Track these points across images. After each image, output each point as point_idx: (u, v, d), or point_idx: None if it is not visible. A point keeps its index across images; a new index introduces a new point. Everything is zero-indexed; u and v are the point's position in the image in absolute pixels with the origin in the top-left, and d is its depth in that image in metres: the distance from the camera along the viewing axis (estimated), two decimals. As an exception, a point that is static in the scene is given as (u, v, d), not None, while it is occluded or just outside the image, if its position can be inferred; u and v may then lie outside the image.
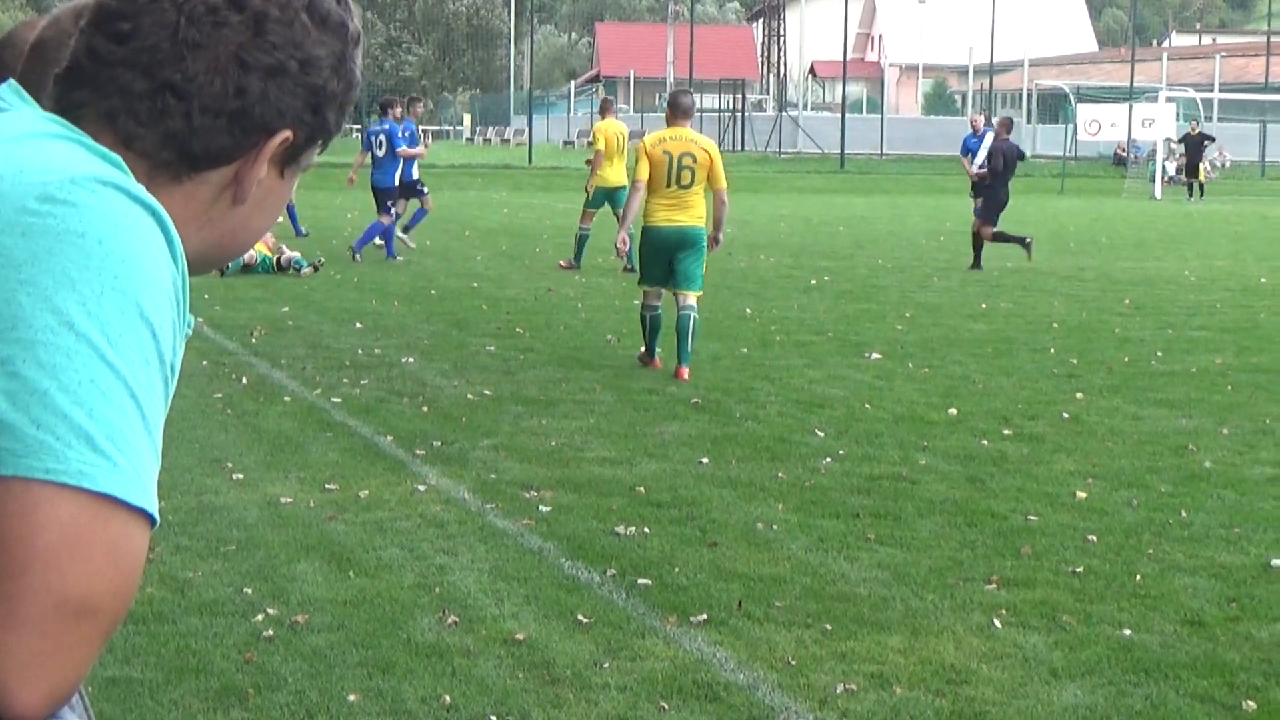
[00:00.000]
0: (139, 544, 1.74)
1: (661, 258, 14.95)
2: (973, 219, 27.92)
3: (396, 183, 26.54)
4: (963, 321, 19.27)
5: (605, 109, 27.12)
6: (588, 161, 27.16)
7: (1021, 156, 28.58)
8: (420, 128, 29.53)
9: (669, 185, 14.80)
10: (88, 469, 1.67)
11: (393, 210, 26.45)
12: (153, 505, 1.75)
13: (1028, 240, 27.32)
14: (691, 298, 14.83)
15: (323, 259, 24.65)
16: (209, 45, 1.86)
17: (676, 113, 15.39)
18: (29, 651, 1.67)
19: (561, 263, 25.91)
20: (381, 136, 26.52)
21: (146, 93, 1.88)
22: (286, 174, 2.00)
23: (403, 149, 26.45)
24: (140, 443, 1.72)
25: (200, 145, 1.90)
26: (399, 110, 26.93)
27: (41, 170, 1.76)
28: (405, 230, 27.71)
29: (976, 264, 26.85)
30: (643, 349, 15.44)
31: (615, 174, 25.54)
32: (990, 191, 27.49)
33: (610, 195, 25.37)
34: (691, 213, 14.89)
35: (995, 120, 31.00)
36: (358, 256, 25.74)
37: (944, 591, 8.16)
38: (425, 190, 27.50)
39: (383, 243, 26.38)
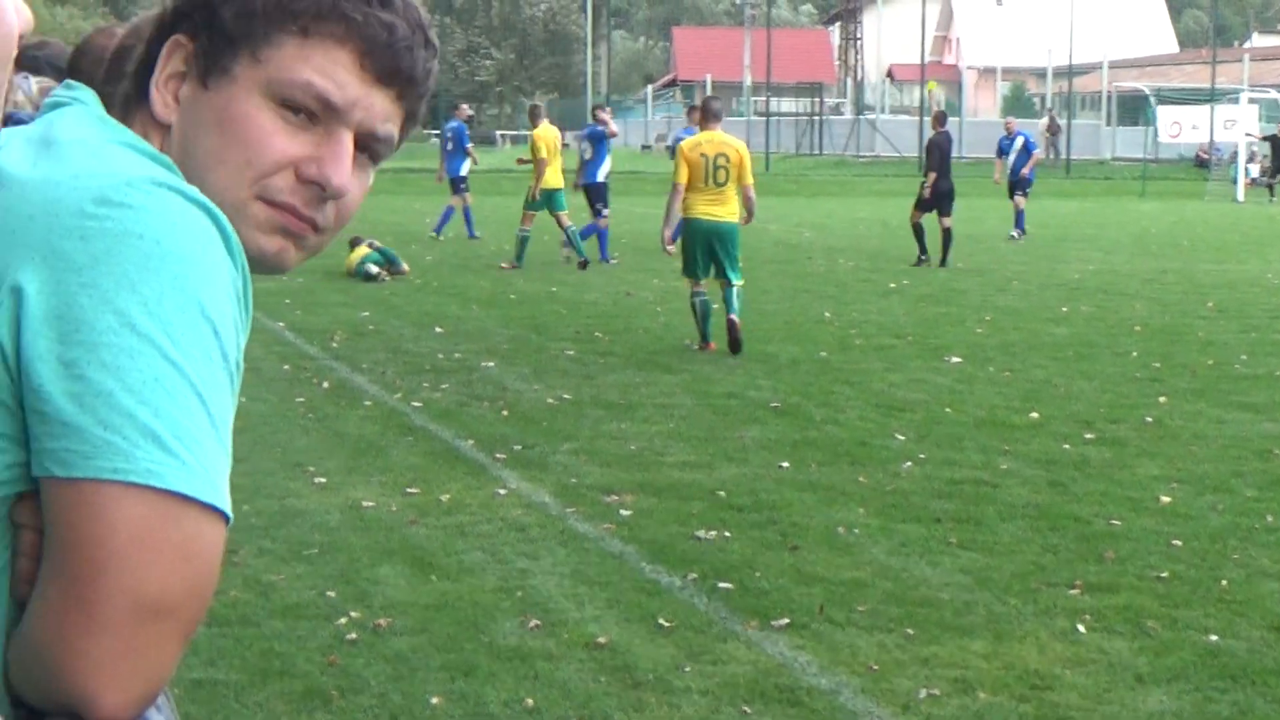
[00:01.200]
0: (213, 541, 1.74)
1: (703, 248, 16.47)
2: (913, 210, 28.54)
3: (600, 179, 28.26)
4: (1043, 325, 19.16)
5: (535, 116, 28.46)
6: (520, 161, 30.58)
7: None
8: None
9: (706, 184, 16.37)
10: (156, 467, 1.68)
11: (604, 211, 27.97)
12: (225, 502, 1.76)
13: (924, 259, 27.72)
14: (736, 284, 16.45)
15: (406, 266, 24.62)
16: None
17: (708, 117, 17.14)
18: (109, 655, 1.67)
19: (504, 264, 26.31)
20: (586, 141, 28.76)
21: None
22: (211, 84, 1.93)
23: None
24: (208, 440, 1.73)
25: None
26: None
27: (97, 174, 1.76)
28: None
29: (922, 255, 27.77)
30: (698, 339, 16.72)
31: (553, 177, 27.11)
32: (934, 185, 28.23)
33: (549, 197, 26.88)
34: (727, 207, 16.49)
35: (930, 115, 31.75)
36: (583, 257, 26.36)
37: (1027, 596, 8.12)
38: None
39: (567, 246, 27.17)
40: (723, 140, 16.60)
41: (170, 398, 1.69)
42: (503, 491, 10.20)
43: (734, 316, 16.22)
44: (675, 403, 13.37)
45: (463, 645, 7.23)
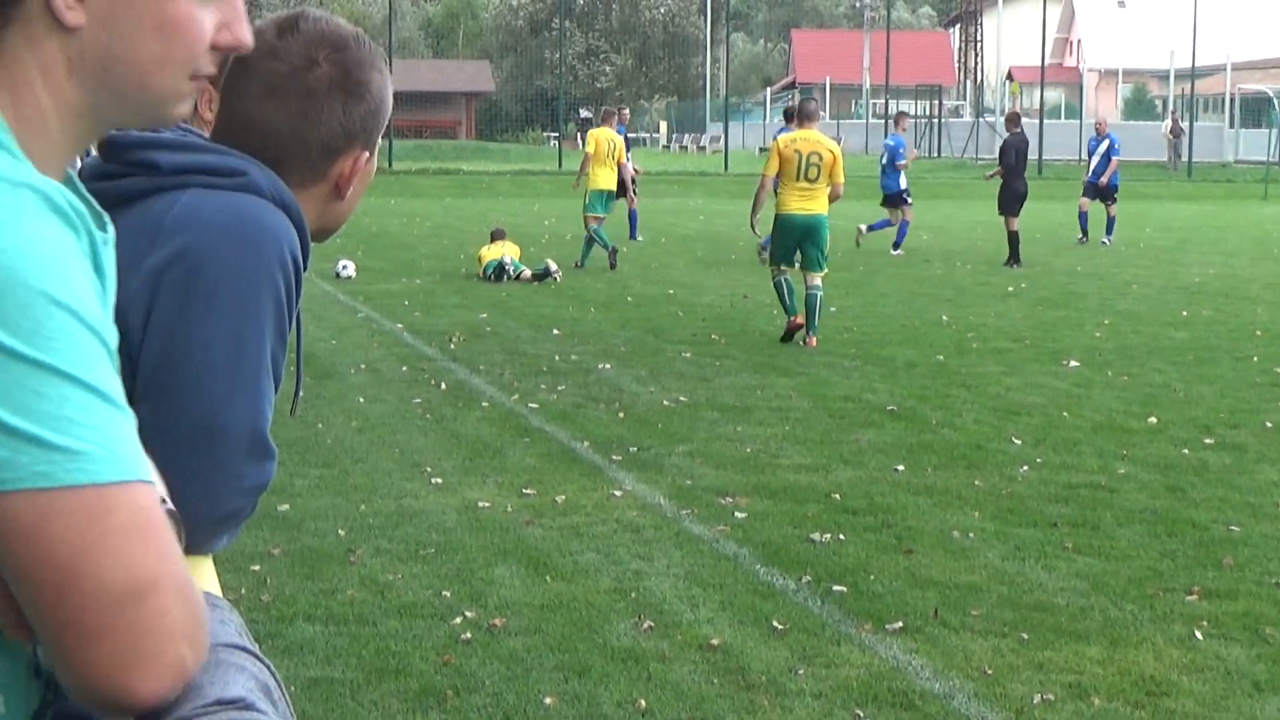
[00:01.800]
0: (144, 507, 1.72)
1: (792, 240, 17.58)
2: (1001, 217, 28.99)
3: (901, 187, 30.08)
4: (1163, 329, 19.01)
5: (605, 119, 29.38)
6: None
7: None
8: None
9: (799, 179, 17.43)
10: (45, 468, 1.65)
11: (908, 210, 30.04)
12: (131, 470, 1.72)
13: (1016, 262, 27.98)
14: (817, 278, 17.43)
15: (557, 268, 24.53)
16: None
17: (804, 117, 18.15)
18: (115, 650, 1.69)
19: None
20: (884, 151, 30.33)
21: None
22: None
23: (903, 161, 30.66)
24: (95, 417, 1.69)
25: None
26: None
27: None
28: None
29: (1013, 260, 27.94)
30: (787, 318, 17.64)
31: (604, 178, 27.46)
32: (1005, 185, 28.97)
33: (602, 196, 27.34)
34: (817, 202, 17.51)
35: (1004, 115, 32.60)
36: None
37: (1143, 602, 8.07)
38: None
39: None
40: (817, 139, 17.60)
41: (39, 396, 1.65)
42: (618, 493, 10.24)
43: (813, 338, 17.28)
44: (791, 405, 13.37)
45: (577, 646, 7.27)
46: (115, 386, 1.73)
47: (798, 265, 17.57)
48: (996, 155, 29.44)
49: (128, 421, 1.74)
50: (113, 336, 1.76)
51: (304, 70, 2.82)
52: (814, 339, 17.23)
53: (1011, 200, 28.68)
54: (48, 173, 1.77)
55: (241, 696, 1.83)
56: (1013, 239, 28.08)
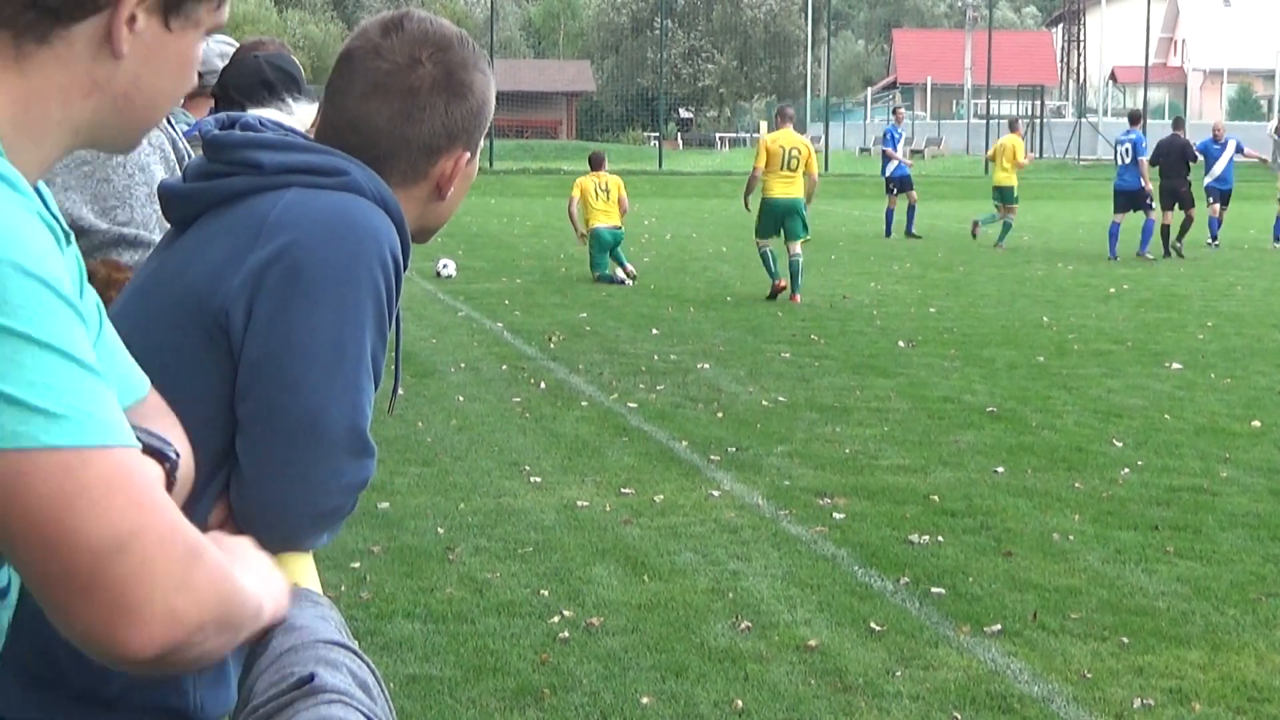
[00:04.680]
0: (124, 465, 1.75)
1: (775, 219, 21.92)
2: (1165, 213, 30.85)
3: (1140, 186, 30.17)
4: (1267, 331, 18.83)
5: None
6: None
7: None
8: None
9: (782, 169, 21.75)
10: (23, 428, 1.68)
11: (1152, 206, 30.29)
12: (112, 435, 1.75)
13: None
14: (798, 246, 21.67)
15: (634, 271, 24.62)
16: None
17: (784, 119, 22.69)
18: (102, 604, 1.73)
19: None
20: (1128, 145, 30.47)
21: None
22: (174, 26, 1.94)
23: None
24: (73, 382, 1.72)
25: None
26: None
27: None
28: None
29: (1166, 252, 30.41)
30: (771, 282, 21.83)
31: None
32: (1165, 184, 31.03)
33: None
34: (795, 187, 21.88)
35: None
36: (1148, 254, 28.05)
37: (1246, 607, 8.00)
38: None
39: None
40: (795, 137, 22.12)
41: (15, 364, 1.69)
42: (716, 493, 10.24)
43: (797, 295, 21.38)
44: (890, 406, 13.33)
45: (674, 646, 7.28)
46: (91, 355, 1.76)
47: (783, 238, 21.73)
48: (1145, 156, 30.61)
49: (105, 388, 1.77)
50: (88, 312, 1.82)
51: (407, 70, 2.84)
52: (798, 296, 21.34)
53: (1175, 197, 30.78)
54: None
55: (321, 680, 1.85)
56: (1164, 232, 30.42)
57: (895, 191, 35.18)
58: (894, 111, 38.24)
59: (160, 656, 1.77)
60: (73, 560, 1.71)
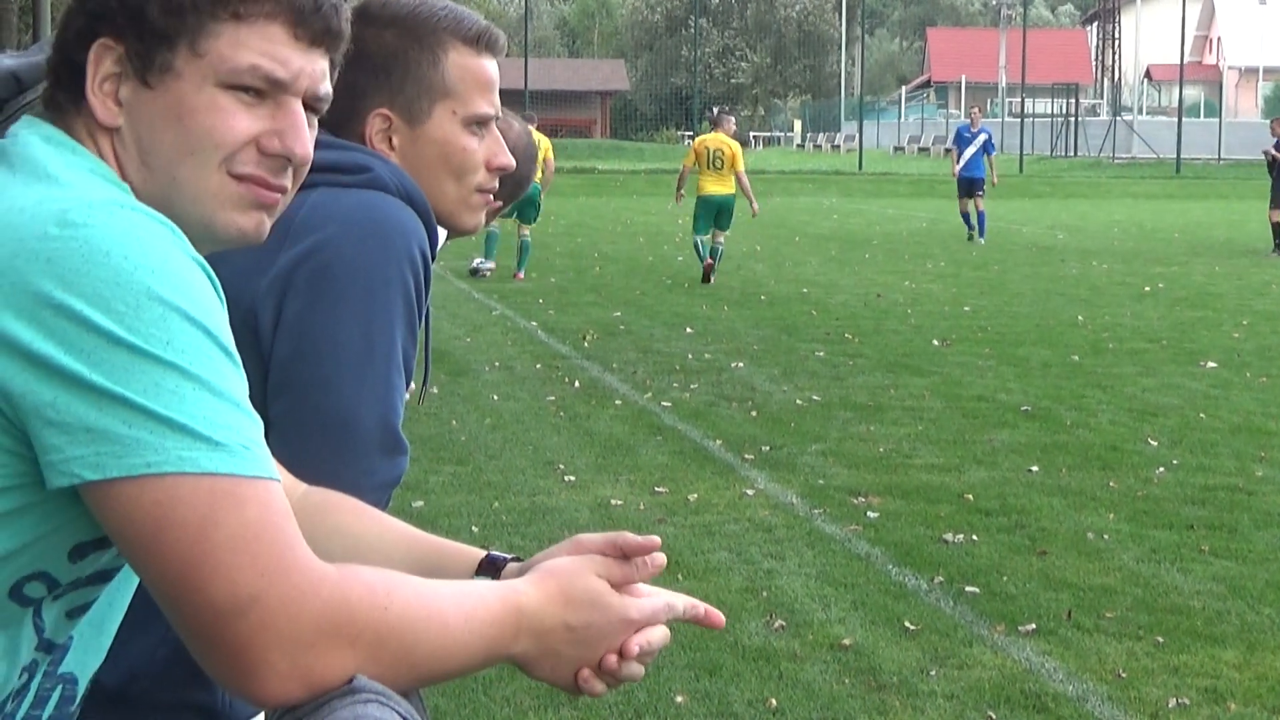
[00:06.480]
0: (270, 507, 1.77)
1: (709, 214, 24.15)
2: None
3: None
4: (1304, 330, 18.76)
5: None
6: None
7: None
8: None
9: (708, 168, 24.29)
10: (190, 454, 1.72)
11: None
12: (266, 469, 1.79)
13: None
14: (723, 236, 24.27)
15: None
16: None
17: (714, 124, 25.41)
18: (225, 659, 1.76)
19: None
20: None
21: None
22: (152, 82, 1.93)
23: None
24: (229, 415, 1.76)
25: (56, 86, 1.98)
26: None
27: (58, 198, 1.79)
28: None
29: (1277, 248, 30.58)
30: (703, 262, 24.06)
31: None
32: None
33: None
34: (726, 184, 24.27)
35: None
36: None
37: (1281, 606, 7.97)
38: None
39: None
40: (721, 139, 24.49)
41: (177, 396, 1.73)
42: (750, 492, 10.24)
43: (712, 261, 23.92)
44: (924, 405, 13.31)
45: (708, 644, 7.27)
46: (245, 398, 1.81)
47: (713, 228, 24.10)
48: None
49: (258, 427, 1.81)
50: (236, 355, 1.84)
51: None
52: (713, 262, 23.91)
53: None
54: None
55: (358, 679, 1.85)
56: (1276, 230, 30.88)
57: (963, 195, 33.27)
58: (970, 111, 35.92)
59: (300, 700, 1.79)
60: (196, 617, 1.74)
